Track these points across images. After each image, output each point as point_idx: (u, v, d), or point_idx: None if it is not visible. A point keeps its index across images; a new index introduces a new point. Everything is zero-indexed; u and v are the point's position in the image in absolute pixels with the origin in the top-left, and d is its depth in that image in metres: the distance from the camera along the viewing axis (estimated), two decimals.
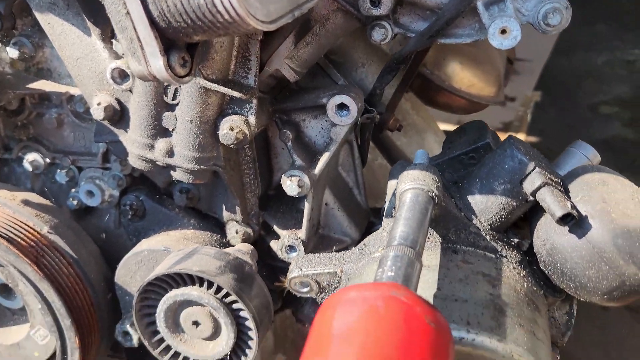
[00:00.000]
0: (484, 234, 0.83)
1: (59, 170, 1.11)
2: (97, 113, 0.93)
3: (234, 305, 0.91)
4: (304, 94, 0.99)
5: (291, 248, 1.03)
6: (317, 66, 1.05)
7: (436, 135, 1.47)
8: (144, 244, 1.03)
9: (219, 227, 1.08)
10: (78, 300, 1.02)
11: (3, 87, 1.04)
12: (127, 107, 0.94)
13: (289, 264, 0.95)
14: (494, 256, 0.82)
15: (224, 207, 1.05)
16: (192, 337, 0.95)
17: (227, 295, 0.90)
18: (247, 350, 0.94)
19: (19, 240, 0.98)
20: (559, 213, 0.76)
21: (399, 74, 1.14)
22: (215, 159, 0.94)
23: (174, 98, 0.89)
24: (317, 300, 0.92)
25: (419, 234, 0.72)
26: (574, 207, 0.77)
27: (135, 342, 1.05)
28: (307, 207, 0.99)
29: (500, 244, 0.84)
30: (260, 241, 1.10)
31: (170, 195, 1.08)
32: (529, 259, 0.86)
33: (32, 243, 0.99)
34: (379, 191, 1.31)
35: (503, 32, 0.81)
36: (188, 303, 0.93)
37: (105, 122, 0.95)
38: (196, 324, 0.94)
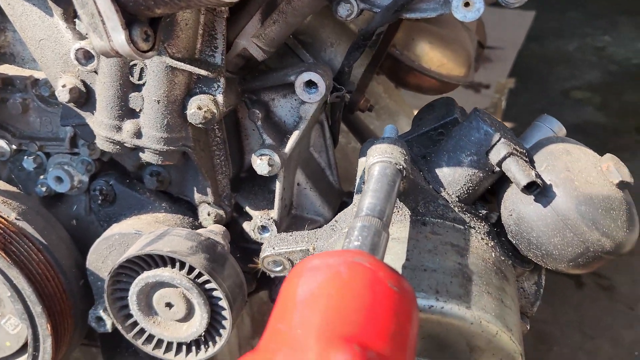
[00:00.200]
0: (452, 206, 0.84)
1: (26, 157, 1.09)
2: (63, 95, 0.92)
3: (207, 285, 0.91)
4: (273, 73, 0.99)
5: (264, 228, 1.02)
6: (286, 47, 1.05)
7: (409, 118, 1.49)
8: (115, 228, 1.02)
9: (191, 210, 1.07)
10: (49, 286, 1.01)
11: None
12: (93, 89, 0.93)
13: (262, 244, 0.94)
14: (462, 227, 0.83)
15: (195, 189, 1.04)
16: (165, 319, 0.95)
17: (199, 275, 0.90)
18: (222, 330, 0.94)
19: None
20: (524, 182, 0.78)
21: (368, 53, 1.15)
22: (184, 139, 0.93)
23: (140, 78, 0.89)
24: None
25: (387, 205, 0.73)
26: (538, 176, 0.79)
27: (109, 328, 1.04)
28: (278, 186, 0.99)
29: (469, 215, 0.85)
30: (233, 224, 1.09)
31: (141, 179, 1.07)
32: (497, 231, 0.87)
33: None
34: (352, 175, 1.31)
35: (466, 4, 0.82)
36: (160, 285, 0.92)
37: (71, 105, 0.94)
38: (169, 305, 0.93)
